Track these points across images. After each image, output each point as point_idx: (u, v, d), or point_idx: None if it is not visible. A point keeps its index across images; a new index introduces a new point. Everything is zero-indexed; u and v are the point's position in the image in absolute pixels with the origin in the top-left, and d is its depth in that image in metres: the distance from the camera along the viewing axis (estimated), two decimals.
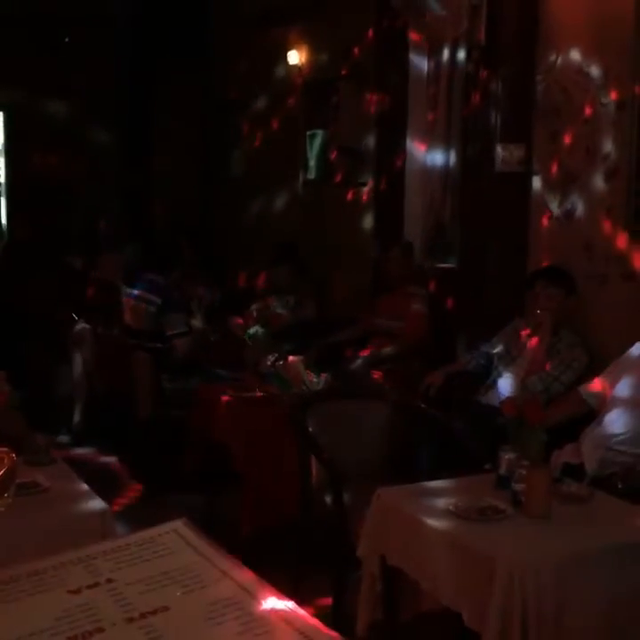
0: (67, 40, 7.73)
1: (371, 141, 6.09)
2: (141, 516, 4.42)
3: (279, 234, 6.59)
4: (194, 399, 4.78)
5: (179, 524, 1.15)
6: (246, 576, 1.01)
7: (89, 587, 1.00)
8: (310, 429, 3.89)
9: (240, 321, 5.45)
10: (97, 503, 2.99)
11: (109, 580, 1.01)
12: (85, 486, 3.10)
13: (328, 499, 3.71)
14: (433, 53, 5.76)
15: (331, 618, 3.39)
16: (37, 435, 3.47)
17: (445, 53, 5.61)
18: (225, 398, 4.48)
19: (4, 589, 1.00)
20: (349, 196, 6.29)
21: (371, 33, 5.86)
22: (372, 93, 5.98)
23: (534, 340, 4.40)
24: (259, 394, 4.44)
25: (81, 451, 5.49)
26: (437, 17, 4.85)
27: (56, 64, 7.51)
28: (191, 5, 7.29)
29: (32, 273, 6.39)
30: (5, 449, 0.97)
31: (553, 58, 4.66)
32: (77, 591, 1.00)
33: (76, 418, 5.85)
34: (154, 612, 0.93)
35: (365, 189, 6.16)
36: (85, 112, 7.96)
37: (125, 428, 5.36)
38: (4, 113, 7.87)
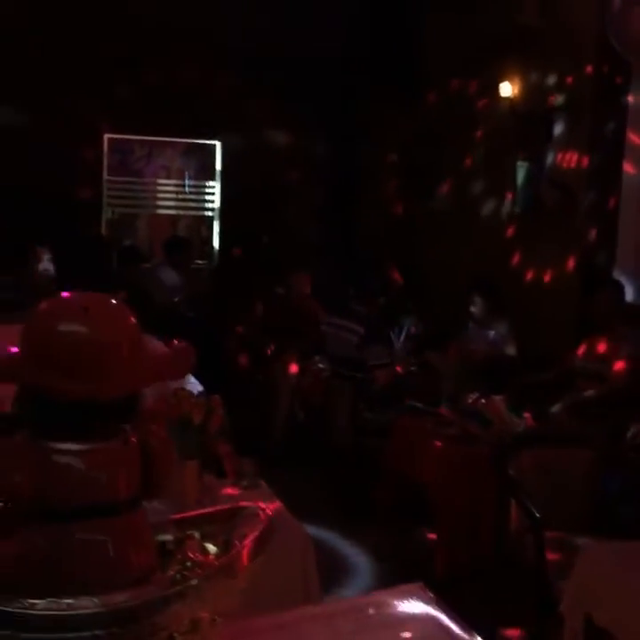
0: (282, 72, 8.03)
1: (582, 175, 5.90)
2: (336, 547, 4.50)
3: (481, 266, 6.52)
4: (392, 431, 4.80)
5: (416, 588, 1.15)
6: None
7: None
8: (511, 472, 3.80)
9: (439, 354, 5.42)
10: (301, 532, 3.02)
11: None
12: (289, 513, 3.16)
13: (526, 545, 3.60)
14: None
15: None
16: (245, 459, 3.57)
17: None
18: (424, 433, 4.47)
19: None
20: (556, 230, 6.12)
21: (587, 66, 5.71)
22: (586, 126, 5.82)
23: None
24: (458, 431, 4.40)
25: None
26: None
27: (270, 96, 7.84)
28: (404, 37, 7.38)
29: (240, 297, 6.67)
30: (262, 506, 1.01)
31: None
32: None
33: (275, 441, 5.99)
34: None
35: (574, 224, 5.97)
36: (296, 142, 8.25)
37: (322, 454, 5.46)
38: (221, 143, 8.32)
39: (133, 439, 0.98)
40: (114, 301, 0.96)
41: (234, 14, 7.17)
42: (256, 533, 1.01)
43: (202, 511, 1.10)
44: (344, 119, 8.05)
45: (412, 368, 5.72)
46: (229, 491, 2.71)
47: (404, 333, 6.03)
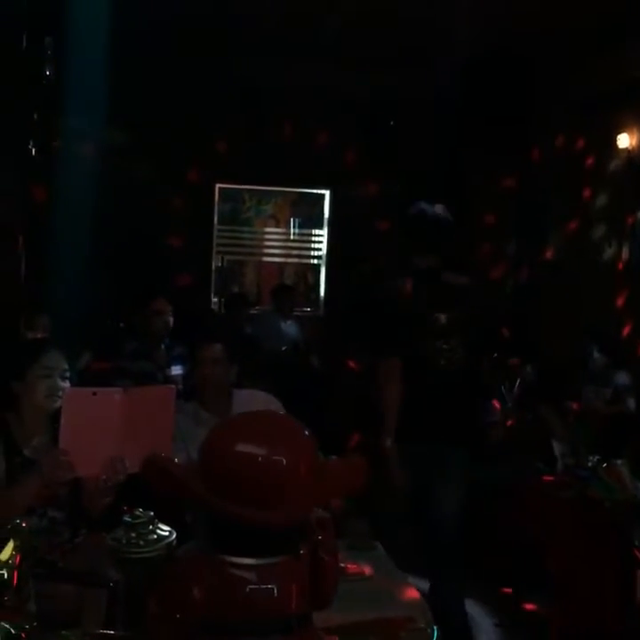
0: (391, 123, 8.09)
1: None
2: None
3: (597, 318, 6.34)
4: (506, 491, 4.65)
5: None
6: None
7: None
8: (636, 543, 3.63)
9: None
10: (415, 596, 2.95)
11: None
12: (404, 575, 3.09)
13: None
14: None
15: None
16: (359, 519, 3.51)
17: None
18: (541, 495, 4.32)
19: None
20: None
21: None
22: None
23: None
24: (577, 495, 4.23)
25: None
26: None
27: (376, 145, 7.88)
28: (514, 88, 7.29)
29: (348, 346, 6.66)
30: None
31: None
32: None
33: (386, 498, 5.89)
34: None
35: None
36: (400, 193, 8.20)
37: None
38: (330, 191, 8.40)
39: (303, 551, 0.96)
40: (290, 419, 0.94)
41: (347, 66, 7.26)
42: None
43: (364, 620, 1.07)
44: (449, 171, 7.96)
45: (525, 424, 5.55)
46: (355, 567, 2.66)
47: (515, 388, 5.87)
